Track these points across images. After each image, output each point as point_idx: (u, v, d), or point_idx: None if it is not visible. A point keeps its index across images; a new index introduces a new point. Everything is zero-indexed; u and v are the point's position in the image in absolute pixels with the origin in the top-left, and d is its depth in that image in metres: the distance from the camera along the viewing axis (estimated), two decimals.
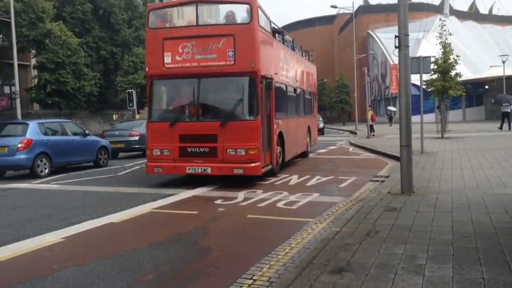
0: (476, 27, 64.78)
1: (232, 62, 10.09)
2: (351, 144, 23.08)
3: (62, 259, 5.39)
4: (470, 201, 7.15)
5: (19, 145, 13.02)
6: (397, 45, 8.11)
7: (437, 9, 63.57)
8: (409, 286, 3.82)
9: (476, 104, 52.01)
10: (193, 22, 10.70)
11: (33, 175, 13.19)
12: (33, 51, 30.02)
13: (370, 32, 63.96)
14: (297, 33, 63.49)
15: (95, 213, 7.83)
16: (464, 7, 76.78)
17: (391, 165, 13.39)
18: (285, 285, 4.01)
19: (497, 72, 44.74)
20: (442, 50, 21.08)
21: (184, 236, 6.35)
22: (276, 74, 11.69)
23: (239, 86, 10.40)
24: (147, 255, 5.45)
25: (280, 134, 11.99)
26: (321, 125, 33.26)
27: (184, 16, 11.38)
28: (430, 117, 28.62)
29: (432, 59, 18.51)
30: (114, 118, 35.74)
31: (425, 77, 18.62)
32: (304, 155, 16.29)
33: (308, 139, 16.83)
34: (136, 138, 18.54)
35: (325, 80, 71.84)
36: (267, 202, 8.47)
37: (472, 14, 72.25)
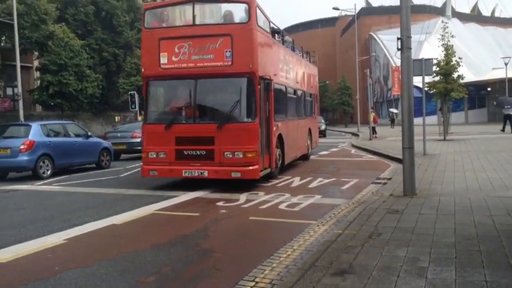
0: (478, 29, 64.72)
1: (230, 63, 9.87)
2: (353, 146, 23.06)
3: (64, 261, 5.39)
4: (473, 204, 7.13)
5: (21, 147, 13.03)
6: (399, 47, 8.10)
7: (440, 11, 63.49)
8: None
9: (478, 106, 51.98)
10: (190, 22, 10.55)
11: (35, 177, 13.20)
12: (36, 53, 30.11)
13: (372, 34, 63.97)
14: (298, 35, 63.51)
15: (97, 215, 7.83)
16: (466, 9, 76.83)
17: (393, 167, 13.37)
18: (287, 287, 4.01)
19: (499, 74, 44.69)
20: (445, 52, 21.08)
21: (186, 237, 6.35)
22: (275, 75, 11.49)
23: (237, 87, 10.18)
24: (149, 257, 5.45)
25: (280, 137, 11.76)
26: (323, 127, 33.14)
27: (180, 15, 11.23)
28: (432, 119, 28.61)
29: (434, 61, 18.46)
30: (116, 120, 35.79)
31: (428, 79, 18.60)
32: (304, 157, 16.01)
33: (309, 141, 16.55)
34: (139, 139, 18.47)
35: (327, 82, 71.87)
36: (269, 204, 8.47)
37: (475, 16, 72.24)
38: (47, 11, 26.45)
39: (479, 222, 5.93)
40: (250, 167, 9.77)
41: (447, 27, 21.25)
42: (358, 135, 33.50)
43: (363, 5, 73.18)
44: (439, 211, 6.72)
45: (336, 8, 42.56)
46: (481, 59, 53.30)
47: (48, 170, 13.57)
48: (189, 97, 10.34)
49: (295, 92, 14.42)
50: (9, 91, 32.13)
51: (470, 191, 8.44)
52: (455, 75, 21.14)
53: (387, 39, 54.43)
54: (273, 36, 11.98)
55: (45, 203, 9.42)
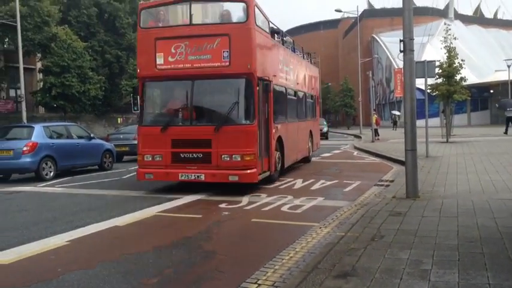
0: (481, 32, 64.69)
1: (228, 63, 9.63)
2: (356, 148, 23.05)
3: (66, 262, 5.40)
4: (476, 206, 7.11)
5: (24, 148, 13.07)
6: (402, 49, 8.10)
7: (442, 14, 63.59)
8: None
9: (481, 109, 51.91)
10: (186, 21, 10.27)
11: (38, 178, 13.23)
12: (39, 55, 30.20)
13: (374, 36, 64.01)
14: (301, 37, 63.65)
15: (100, 217, 7.84)
16: (469, 11, 76.93)
17: (396, 169, 13.35)
18: None
19: (502, 76, 44.67)
20: (447, 54, 21.07)
21: (188, 239, 6.34)
22: (274, 76, 11.24)
23: (235, 88, 9.93)
24: (151, 258, 5.45)
25: (280, 139, 11.52)
26: (325, 129, 33.10)
27: (177, 15, 10.94)
28: (435, 121, 28.54)
29: (437, 63, 18.49)
30: (119, 121, 35.86)
31: (430, 81, 18.58)
32: (305, 160, 15.77)
33: (310, 144, 16.31)
34: None
35: (330, 83, 71.96)
36: (272, 206, 8.46)
37: (477, 18, 72.23)
38: (50, 13, 26.53)
39: (482, 225, 5.91)
40: (248, 171, 9.54)
41: (450, 29, 21.25)
42: (360, 137, 33.47)
43: (365, 7, 73.35)
44: (441, 213, 6.70)
45: (338, 10, 42.70)
46: (483, 61, 53.28)
47: (50, 172, 13.61)
48: (186, 98, 10.13)
49: (295, 93, 14.16)
50: (12, 93, 32.25)
51: (473, 193, 8.42)
52: (457, 77, 21.12)
53: (389, 41, 54.49)
54: (273, 36, 11.76)
55: (47, 205, 9.44)
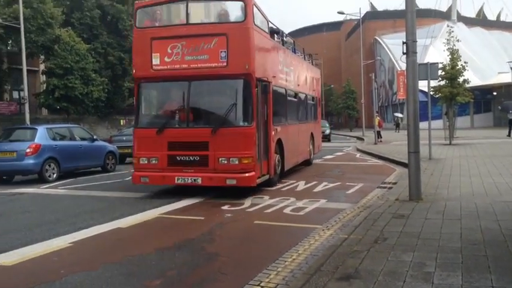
0: (484, 34, 64.65)
1: (225, 64, 9.39)
2: (358, 150, 23.04)
3: (69, 264, 5.40)
4: (479, 209, 7.10)
5: (27, 150, 13.11)
6: (404, 51, 8.09)
7: (445, 16, 63.54)
8: None
9: (484, 111, 51.83)
10: (183, 21, 10.06)
11: (41, 180, 13.26)
12: (42, 57, 30.28)
13: (377, 38, 64.01)
14: (303, 39, 63.68)
15: (103, 218, 7.85)
16: (472, 13, 76.77)
17: (398, 171, 13.33)
18: None
19: (505, 78, 44.60)
20: (450, 56, 21.06)
21: (191, 241, 6.34)
22: (274, 77, 11.01)
23: (232, 89, 9.68)
24: (154, 260, 5.46)
25: (279, 142, 11.29)
26: (327, 131, 33.01)
27: (174, 14, 10.76)
28: (438, 123, 28.55)
29: (440, 65, 18.48)
30: (122, 123, 35.90)
31: (433, 83, 18.56)
32: (307, 163, 15.53)
33: (311, 146, 16.07)
34: None
35: (332, 86, 71.96)
36: (274, 208, 8.45)
37: (480, 20, 72.16)
38: (53, 15, 26.60)
39: (486, 227, 5.90)
40: (246, 174, 9.30)
41: (452, 31, 21.25)
42: (363, 139, 33.44)
43: (368, 9, 73.40)
44: (445, 216, 6.69)
45: (341, 12, 42.58)
46: (486, 63, 53.22)
47: (54, 173, 13.64)
48: (182, 100, 9.91)
49: (296, 95, 13.90)
50: (15, 94, 32.36)
51: (476, 195, 8.40)
52: (460, 79, 21.11)
53: (392, 43, 54.52)
54: (272, 36, 11.55)
55: (50, 206, 9.45)
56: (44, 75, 30.52)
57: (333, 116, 77.18)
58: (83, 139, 15.27)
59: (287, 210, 8.22)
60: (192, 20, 10.08)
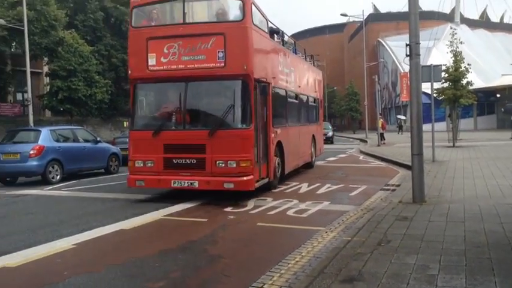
0: (487, 36, 64.52)
1: (223, 64, 9.14)
2: (361, 152, 23.00)
3: (73, 265, 5.41)
4: (483, 211, 7.08)
5: (31, 152, 13.15)
6: (408, 53, 8.09)
7: (448, 18, 63.47)
8: None
9: (487, 113, 51.71)
10: (180, 20, 9.84)
11: (44, 181, 13.30)
12: (46, 59, 30.35)
13: (380, 40, 63.97)
14: (306, 41, 63.77)
15: (106, 220, 7.86)
16: (475, 15, 76.63)
17: (402, 173, 13.31)
18: None
19: (508, 80, 44.46)
20: (453, 58, 21.04)
21: (194, 243, 6.34)
22: (273, 78, 10.76)
23: (230, 90, 9.43)
24: (157, 262, 5.46)
25: (279, 144, 11.04)
26: (330, 133, 32.84)
27: (170, 13, 10.51)
28: (441, 125, 28.46)
29: (443, 68, 18.46)
30: (125, 125, 35.88)
31: (437, 85, 18.54)
32: (308, 166, 15.20)
33: (312, 149, 15.75)
34: None
35: (335, 87, 71.94)
36: (277, 210, 8.45)
37: (483, 22, 72.05)
38: (57, 17, 26.65)
39: (490, 230, 5.88)
40: (245, 178, 9.04)
41: (456, 33, 21.26)
42: (366, 141, 33.40)
43: (371, 11, 73.38)
44: (448, 218, 6.68)
45: (344, 14, 42.57)
46: (490, 65, 53.10)
47: (57, 175, 13.67)
48: (179, 101, 9.61)
49: (296, 96, 13.65)
50: (19, 96, 32.43)
51: (480, 198, 8.38)
52: (464, 81, 21.09)
53: (395, 45, 54.44)
54: (272, 36, 11.29)
55: (54, 208, 9.48)
56: (48, 77, 30.59)
57: (336, 118, 77.19)
58: (86, 141, 15.31)
59: (290, 212, 8.21)
60: (189, 19, 9.94)
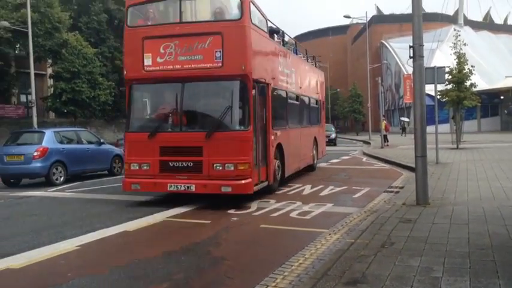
0: (491, 37, 64.40)
1: (220, 64, 8.90)
2: (365, 154, 22.97)
3: (76, 267, 5.42)
4: (487, 213, 7.05)
5: (35, 153, 13.18)
6: (411, 55, 8.08)
7: (452, 20, 63.37)
8: None
9: (491, 115, 51.59)
10: (176, 19, 9.63)
11: (48, 183, 13.33)
12: (50, 61, 30.47)
13: (383, 41, 63.96)
14: (309, 43, 63.73)
15: (109, 222, 7.87)
16: (478, 17, 76.50)
17: (405, 175, 13.28)
18: None
19: None
20: (457, 60, 21.00)
21: (197, 245, 6.35)
22: (273, 78, 10.50)
23: (228, 91, 9.16)
24: (160, 264, 5.46)
25: (280, 146, 10.78)
26: (333, 135, 32.69)
27: (166, 12, 10.31)
28: (445, 127, 28.43)
29: (447, 69, 18.42)
30: None
31: (440, 87, 18.51)
32: (310, 168, 14.97)
33: (314, 151, 15.49)
34: None
35: (338, 89, 71.94)
36: (280, 212, 8.44)
37: (487, 24, 71.92)
38: (61, 19, 26.78)
39: (494, 232, 5.86)
40: (243, 181, 8.77)
41: (459, 35, 21.20)
42: (369, 143, 33.33)
43: (374, 13, 73.34)
44: (452, 220, 6.66)
45: (347, 16, 42.52)
46: (493, 67, 52.99)
47: (61, 177, 13.70)
48: (175, 102, 9.39)
49: (297, 97, 13.36)
50: (23, 98, 32.56)
51: (484, 200, 8.35)
52: (467, 83, 21.05)
53: (399, 47, 54.41)
54: (272, 36, 11.03)
55: (58, 210, 9.50)
56: (52, 79, 30.72)
57: (339, 120, 77.17)
58: (90, 142, 15.34)
59: (293, 214, 8.21)
60: (186, 18, 9.70)
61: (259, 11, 10.09)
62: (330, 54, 71.52)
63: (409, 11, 8.53)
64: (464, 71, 20.80)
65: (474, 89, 21.62)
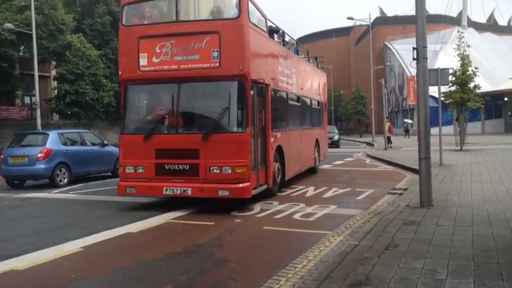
0: (494, 39, 64.30)
1: (218, 64, 8.66)
2: (368, 156, 22.95)
3: (80, 268, 5.43)
4: (491, 215, 7.03)
5: (39, 155, 13.23)
6: (415, 57, 8.07)
7: (455, 21, 63.33)
8: None
9: (495, 116, 51.43)
10: (172, 18, 9.34)
11: (52, 185, 13.36)
12: (54, 63, 30.58)
13: (387, 43, 63.93)
14: (313, 45, 63.76)
15: (113, 223, 7.88)
16: (482, 19, 76.39)
17: (409, 177, 13.25)
18: None
19: None
20: (460, 61, 20.95)
21: (200, 246, 6.35)
22: (273, 79, 10.26)
23: (225, 92, 8.93)
24: (164, 265, 5.46)
25: (280, 149, 10.54)
26: (336, 137, 32.37)
27: (162, 11, 10.08)
28: (448, 129, 28.35)
29: (450, 71, 18.39)
30: None
31: (444, 88, 18.47)
32: (311, 171, 14.71)
33: (316, 154, 15.21)
34: None
35: (342, 91, 71.91)
36: (284, 214, 8.44)
37: (491, 26, 71.84)
38: (65, 21, 26.88)
39: (498, 234, 5.84)
40: (241, 184, 8.54)
41: (463, 36, 21.15)
42: (373, 145, 33.27)
43: (378, 14, 73.34)
44: (456, 223, 6.64)
45: (350, 18, 42.72)
46: (497, 69, 52.87)
47: (64, 178, 13.74)
48: (171, 104, 9.14)
49: (298, 99, 13.09)
50: (27, 100, 32.67)
51: (488, 202, 8.32)
52: (471, 85, 20.99)
53: (402, 49, 54.37)
54: (271, 36, 10.80)
55: (61, 211, 9.52)
56: (56, 81, 30.81)
57: (342, 122, 77.13)
58: (93, 144, 15.37)
59: (297, 216, 8.20)
60: (182, 17, 9.44)
61: (258, 9, 9.88)
62: (333, 56, 71.53)
63: (412, 12, 8.55)
64: (468, 73, 20.75)
65: (478, 91, 21.55)
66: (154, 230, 7.50)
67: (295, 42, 13.77)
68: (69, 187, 13.23)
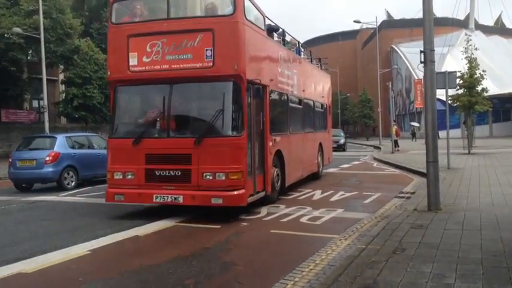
0: (502, 42, 63.93)
1: (211, 64, 8.22)
2: (375, 159, 22.86)
3: (87, 271, 5.45)
4: (499, 219, 6.98)
5: (47, 158, 13.31)
6: (422, 60, 8.04)
7: (463, 24, 63.06)
8: None
9: (503, 119, 51.16)
10: (164, 15, 8.86)
11: (60, 188, 13.43)
12: (61, 67, 30.79)
13: (394, 46, 63.79)
14: (319, 48, 63.81)
15: (120, 226, 7.90)
16: (490, 21, 76.02)
17: (416, 181, 13.19)
18: None
19: None
20: (468, 64, 20.88)
21: (207, 250, 6.35)
22: (271, 80, 9.77)
23: (219, 93, 8.45)
24: (171, 268, 5.46)
25: (279, 153, 10.05)
26: (342, 140, 31.99)
27: (153, 8, 9.58)
28: (456, 132, 28.21)
29: (458, 74, 18.32)
30: None
31: (451, 92, 18.40)
32: (314, 176, 14.17)
33: (319, 158, 14.67)
34: None
35: (348, 94, 71.81)
36: (291, 217, 8.42)
37: (498, 29, 71.49)
38: (72, 25, 27.07)
39: (507, 238, 5.79)
40: (235, 192, 8.08)
41: (470, 39, 21.08)
42: (380, 148, 33.17)
43: (384, 17, 73.26)
44: (464, 226, 6.60)
45: (357, 21, 42.52)
46: (505, 72, 52.54)
47: (72, 182, 13.81)
48: (163, 106, 8.66)
49: (300, 101, 12.57)
50: (35, 103, 32.93)
51: (496, 206, 8.27)
52: (479, 88, 20.91)
53: (409, 52, 54.26)
54: (270, 35, 10.35)
55: (69, 214, 9.55)
56: (63, 85, 31.01)
57: (349, 125, 76.95)
58: (100, 148, 15.41)
59: (304, 220, 8.18)
60: (174, 15, 9.01)
61: (256, 7, 9.43)
62: (339, 59, 71.46)
63: (419, 15, 8.52)
64: (476, 76, 20.67)
65: (485, 94, 21.45)
66: (162, 233, 7.51)
67: (296, 42, 13.35)
68: (77, 190, 13.29)
